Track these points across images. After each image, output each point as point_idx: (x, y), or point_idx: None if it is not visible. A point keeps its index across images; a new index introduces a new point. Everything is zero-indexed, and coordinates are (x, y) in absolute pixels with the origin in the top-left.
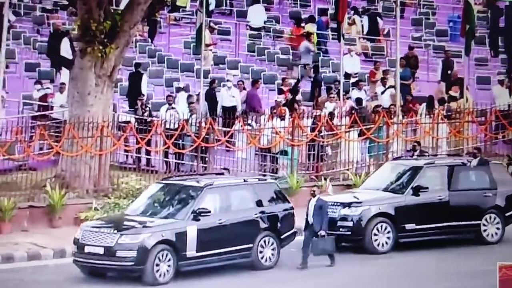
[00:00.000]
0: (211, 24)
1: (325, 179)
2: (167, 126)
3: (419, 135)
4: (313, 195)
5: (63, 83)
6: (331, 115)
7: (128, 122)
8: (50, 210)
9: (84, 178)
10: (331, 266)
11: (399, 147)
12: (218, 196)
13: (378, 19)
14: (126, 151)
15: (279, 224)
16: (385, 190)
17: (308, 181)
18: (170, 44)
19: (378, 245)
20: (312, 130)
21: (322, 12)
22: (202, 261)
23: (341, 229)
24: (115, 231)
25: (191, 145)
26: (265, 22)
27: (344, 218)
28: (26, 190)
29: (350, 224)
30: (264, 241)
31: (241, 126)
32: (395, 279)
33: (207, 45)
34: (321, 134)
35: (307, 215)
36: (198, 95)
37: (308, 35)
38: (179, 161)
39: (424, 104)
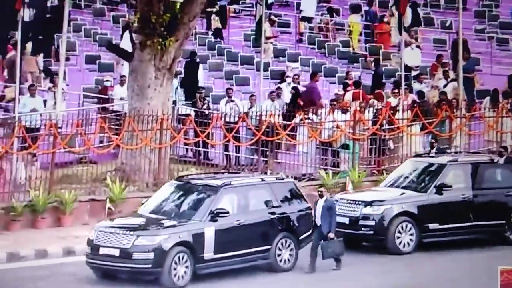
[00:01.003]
0: (272, 16)
1: (387, 173)
2: (227, 119)
3: (483, 129)
4: (321, 196)
5: (123, 76)
6: (393, 108)
7: (188, 115)
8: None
9: (144, 171)
10: (336, 270)
11: (462, 141)
12: (235, 196)
13: (418, 10)
14: (185, 144)
15: (297, 225)
16: (407, 188)
17: (369, 176)
18: (230, 37)
19: (401, 245)
20: (374, 124)
21: (383, 4)
22: (219, 263)
23: (363, 229)
24: (132, 233)
25: (251, 138)
26: (322, 15)
27: (366, 217)
28: (87, 183)
29: (372, 223)
30: (282, 243)
31: (302, 119)
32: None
33: (267, 38)
34: (382, 128)
35: (314, 216)
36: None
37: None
38: (239, 155)
39: (487, 98)
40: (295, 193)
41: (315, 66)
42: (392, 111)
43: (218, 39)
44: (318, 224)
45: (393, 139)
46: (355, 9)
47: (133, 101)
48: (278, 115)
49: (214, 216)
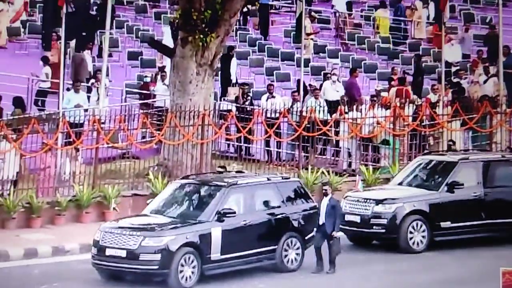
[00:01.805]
0: (312, 13)
1: None
2: (268, 115)
3: None
4: (325, 194)
5: (164, 72)
6: (433, 104)
7: (229, 110)
8: (153, 198)
9: (186, 166)
10: (331, 272)
11: (502, 137)
12: (242, 195)
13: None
14: (227, 139)
15: (303, 224)
16: (417, 186)
17: None
18: (271, 33)
19: (414, 244)
20: (414, 119)
21: None
22: (226, 264)
23: (374, 227)
24: (138, 233)
25: (292, 134)
26: (363, 11)
27: (377, 216)
28: (130, 178)
29: (384, 221)
30: (289, 243)
31: (342, 115)
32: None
33: (307, 34)
34: (423, 124)
35: (318, 215)
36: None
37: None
38: (280, 150)
39: None
40: (301, 192)
41: (355, 62)
42: (432, 107)
43: (259, 36)
44: (321, 223)
45: (433, 135)
46: (382, 3)
47: (175, 97)
48: (323, 112)
49: (221, 216)
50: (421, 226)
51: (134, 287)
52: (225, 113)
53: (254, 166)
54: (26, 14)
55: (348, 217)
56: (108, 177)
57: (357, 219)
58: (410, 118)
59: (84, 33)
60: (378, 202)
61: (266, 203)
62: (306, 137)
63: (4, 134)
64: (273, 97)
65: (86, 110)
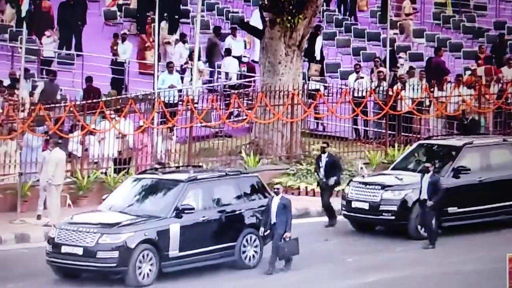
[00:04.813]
0: None
1: None
2: (355, 94)
3: None
4: (276, 193)
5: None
6: None
7: (318, 90)
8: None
9: (277, 145)
10: (284, 270)
11: None
12: (201, 191)
13: None
14: (316, 118)
15: (261, 220)
16: (420, 172)
17: None
18: (358, 14)
19: (423, 229)
20: (499, 98)
21: None
22: (185, 261)
23: (384, 214)
24: (95, 230)
25: (378, 113)
26: None
27: (387, 202)
28: (223, 156)
29: (394, 208)
30: (247, 239)
31: (427, 94)
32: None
33: (406, 15)
34: (508, 101)
35: (269, 215)
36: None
37: None
38: (367, 128)
39: None
40: (259, 187)
41: (440, 42)
42: None
43: (346, 16)
44: (273, 223)
45: None
46: None
47: (265, 77)
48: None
49: (179, 212)
50: None
51: (93, 285)
52: (313, 92)
53: (342, 144)
54: None
55: (354, 204)
56: (202, 155)
57: (365, 205)
58: (495, 96)
59: (176, 16)
60: (387, 188)
61: (225, 198)
62: (392, 115)
63: (104, 114)
64: (361, 77)
65: (180, 91)
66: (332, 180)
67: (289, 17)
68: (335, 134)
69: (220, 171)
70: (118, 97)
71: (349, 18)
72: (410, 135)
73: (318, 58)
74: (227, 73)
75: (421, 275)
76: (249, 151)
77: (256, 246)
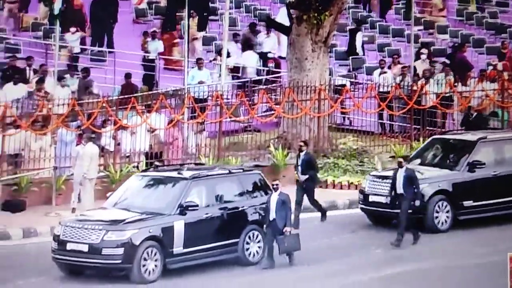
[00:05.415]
0: None
1: None
2: (381, 89)
3: None
4: (275, 189)
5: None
6: None
7: (344, 85)
8: (274, 169)
9: (304, 139)
10: (290, 264)
11: None
12: (204, 188)
13: None
14: (342, 113)
15: (264, 217)
16: (436, 166)
17: None
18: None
19: (439, 223)
20: None
21: None
22: (189, 258)
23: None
24: (100, 227)
25: (403, 107)
26: None
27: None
28: (252, 150)
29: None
30: (250, 236)
31: (451, 89)
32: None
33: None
34: None
35: (268, 211)
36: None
37: None
38: (392, 123)
39: None
40: (261, 184)
41: (464, 38)
42: None
43: (372, 13)
44: (272, 219)
45: None
46: None
47: (292, 73)
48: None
49: (183, 209)
50: (445, 206)
51: (98, 282)
52: (340, 87)
53: (368, 138)
54: None
55: (372, 198)
56: (231, 149)
57: (382, 199)
58: None
59: (205, 13)
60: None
61: (228, 196)
62: (417, 110)
63: (136, 109)
64: (385, 72)
65: (209, 86)
66: (302, 177)
67: (316, 14)
68: (361, 128)
69: (223, 169)
70: (149, 92)
71: (383, 20)
72: (435, 129)
73: (360, 53)
74: (245, 68)
75: (445, 267)
76: (277, 145)
77: (259, 243)
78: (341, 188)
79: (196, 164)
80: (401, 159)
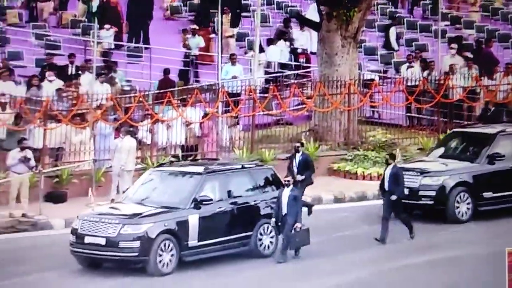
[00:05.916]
0: None
1: None
2: (408, 83)
3: None
4: (287, 185)
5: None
6: None
7: (373, 80)
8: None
9: (335, 132)
10: (296, 258)
11: None
12: (218, 182)
13: None
14: (371, 106)
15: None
16: (457, 158)
17: None
18: (409, 6)
19: (460, 214)
20: None
21: None
22: (203, 250)
23: (423, 199)
24: (117, 221)
25: (431, 101)
26: None
27: (425, 188)
28: (284, 143)
29: (433, 193)
30: (264, 229)
31: (477, 83)
32: None
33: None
34: None
35: (279, 206)
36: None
37: None
38: (420, 116)
39: None
40: (273, 179)
41: (489, 33)
42: None
43: (398, 9)
44: (284, 214)
45: None
46: None
47: (323, 68)
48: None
49: (198, 203)
50: (466, 198)
51: (115, 274)
52: (369, 82)
53: (397, 131)
54: None
55: None
56: (264, 142)
57: (405, 191)
58: None
59: (238, 10)
60: (425, 174)
61: (240, 189)
62: (444, 103)
63: (172, 103)
64: (412, 66)
65: (241, 81)
66: (299, 177)
67: (345, 10)
68: (390, 121)
69: (236, 164)
70: (185, 87)
71: (410, 15)
72: (461, 122)
73: (396, 48)
74: (269, 62)
75: (472, 255)
76: (309, 138)
77: (271, 236)
78: (370, 179)
79: (210, 159)
80: (387, 156)
